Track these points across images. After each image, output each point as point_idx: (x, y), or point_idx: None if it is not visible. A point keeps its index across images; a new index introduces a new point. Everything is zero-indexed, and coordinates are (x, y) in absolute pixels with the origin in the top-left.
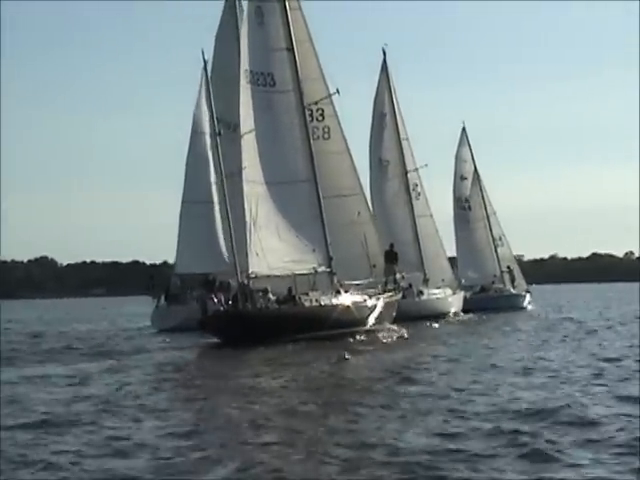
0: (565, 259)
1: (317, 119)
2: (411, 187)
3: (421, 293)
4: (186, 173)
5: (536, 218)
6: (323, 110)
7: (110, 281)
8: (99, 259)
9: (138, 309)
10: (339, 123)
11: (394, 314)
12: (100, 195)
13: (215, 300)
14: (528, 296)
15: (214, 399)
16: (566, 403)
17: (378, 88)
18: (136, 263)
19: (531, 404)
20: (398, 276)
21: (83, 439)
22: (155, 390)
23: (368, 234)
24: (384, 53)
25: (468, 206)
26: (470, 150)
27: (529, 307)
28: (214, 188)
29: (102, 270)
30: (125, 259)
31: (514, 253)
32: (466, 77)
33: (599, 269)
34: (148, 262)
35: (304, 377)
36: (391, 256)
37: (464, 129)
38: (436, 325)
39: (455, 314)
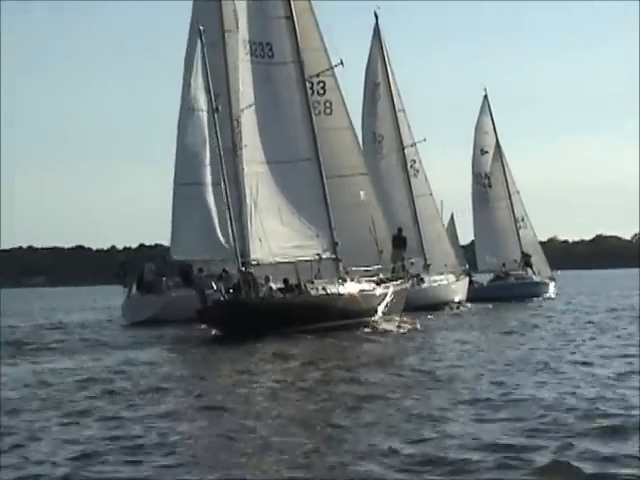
0: (565, 242)
1: (318, 93)
2: (409, 164)
3: (421, 280)
4: (180, 153)
5: (532, 195)
6: (324, 83)
7: (50, 269)
8: (37, 244)
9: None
10: (342, 97)
11: (403, 304)
12: (41, 174)
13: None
14: (552, 284)
15: None
16: None
17: (370, 55)
18: (81, 249)
19: None
20: (406, 263)
21: None
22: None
23: (376, 217)
24: (376, 16)
25: (488, 183)
26: (492, 120)
27: (553, 296)
28: (209, 169)
29: (42, 257)
30: (67, 244)
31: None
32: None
33: (604, 253)
34: (94, 247)
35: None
36: (399, 241)
37: (486, 97)
38: (430, 317)
39: (459, 303)
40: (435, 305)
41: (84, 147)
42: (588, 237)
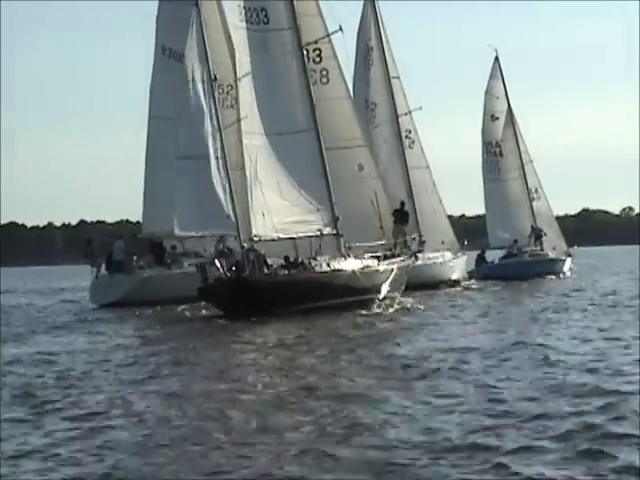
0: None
1: (314, 61)
2: (404, 134)
3: (415, 257)
4: (181, 126)
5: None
6: (321, 50)
7: None
8: None
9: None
10: (339, 65)
11: (406, 281)
12: None
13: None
14: (569, 260)
15: None
16: None
17: (362, 18)
18: (14, 225)
19: None
20: (408, 238)
21: None
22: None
23: (378, 191)
24: None
25: (500, 152)
26: (504, 84)
27: (568, 274)
28: (210, 141)
29: None
30: None
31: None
32: None
33: (590, 228)
34: (29, 224)
35: None
36: (402, 216)
37: (497, 58)
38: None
39: (457, 281)
40: (431, 284)
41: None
42: (573, 211)
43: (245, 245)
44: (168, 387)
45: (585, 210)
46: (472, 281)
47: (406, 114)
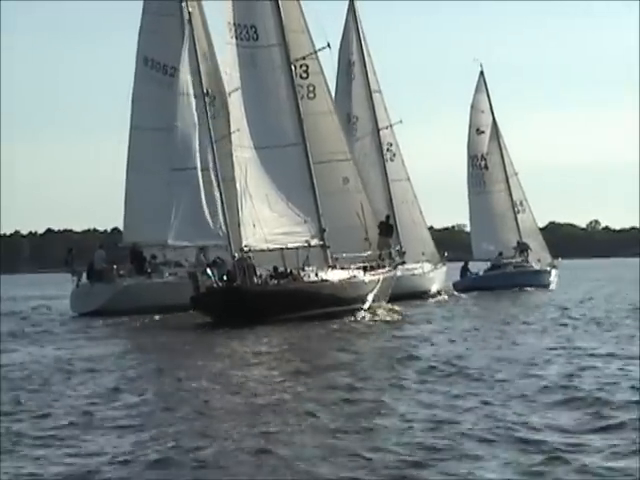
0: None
1: (301, 76)
2: (385, 147)
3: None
4: (174, 139)
5: (445, 173)
6: (307, 66)
7: None
8: None
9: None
10: (325, 81)
11: (390, 291)
12: None
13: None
14: (554, 272)
15: None
16: None
17: (344, 33)
18: None
19: None
20: (392, 250)
21: None
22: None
23: (364, 204)
24: None
25: (485, 165)
26: (488, 98)
27: (553, 286)
28: (203, 154)
29: None
30: None
31: (456, 222)
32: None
33: (557, 241)
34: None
35: None
36: (387, 228)
37: (482, 73)
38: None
39: (438, 292)
40: (410, 295)
41: None
42: (541, 224)
43: (236, 255)
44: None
45: (552, 223)
46: (454, 293)
47: (387, 127)
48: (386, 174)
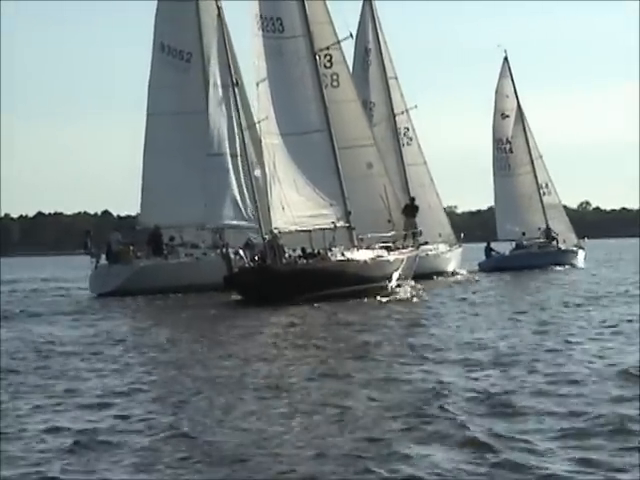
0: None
1: (325, 66)
2: (402, 132)
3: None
4: (208, 126)
5: (469, 156)
6: (331, 56)
7: None
8: None
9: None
10: (348, 70)
11: (414, 270)
12: None
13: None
14: (581, 252)
15: None
16: None
17: (360, 21)
18: None
19: None
20: (417, 230)
21: None
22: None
23: (387, 187)
24: None
25: (510, 148)
26: (513, 83)
27: (580, 265)
28: (233, 141)
29: None
30: None
31: (448, 203)
32: None
33: None
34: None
35: None
36: (412, 209)
37: (506, 59)
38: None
39: (452, 273)
40: (425, 275)
41: None
42: None
43: (266, 237)
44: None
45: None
46: (469, 274)
47: (402, 113)
48: (402, 158)
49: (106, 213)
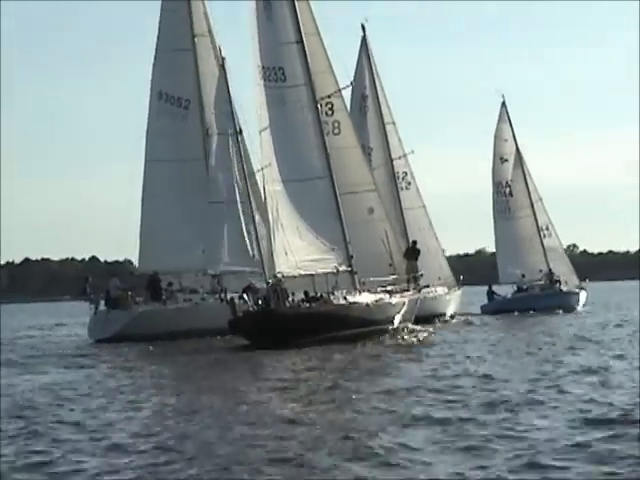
0: (494, 254)
1: (326, 113)
2: (400, 176)
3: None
4: (210, 174)
5: (463, 202)
6: (333, 104)
7: None
8: None
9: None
10: (349, 117)
11: (415, 313)
12: None
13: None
14: (583, 294)
15: None
16: None
17: (357, 67)
18: None
19: None
20: (418, 274)
21: None
22: None
23: (388, 231)
24: (363, 29)
25: (509, 192)
26: (511, 127)
27: (580, 308)
28: (236, 188)
29: None
30: None
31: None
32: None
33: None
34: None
35: None
36: (414, 253)
37: (504, 103)
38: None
39: (451, 316)
40: (425, 318)
41: None
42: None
43: (270, 281)
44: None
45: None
46: (468, 317)
47: (400, 157)
48: (400, 203)
49: (94, 259)
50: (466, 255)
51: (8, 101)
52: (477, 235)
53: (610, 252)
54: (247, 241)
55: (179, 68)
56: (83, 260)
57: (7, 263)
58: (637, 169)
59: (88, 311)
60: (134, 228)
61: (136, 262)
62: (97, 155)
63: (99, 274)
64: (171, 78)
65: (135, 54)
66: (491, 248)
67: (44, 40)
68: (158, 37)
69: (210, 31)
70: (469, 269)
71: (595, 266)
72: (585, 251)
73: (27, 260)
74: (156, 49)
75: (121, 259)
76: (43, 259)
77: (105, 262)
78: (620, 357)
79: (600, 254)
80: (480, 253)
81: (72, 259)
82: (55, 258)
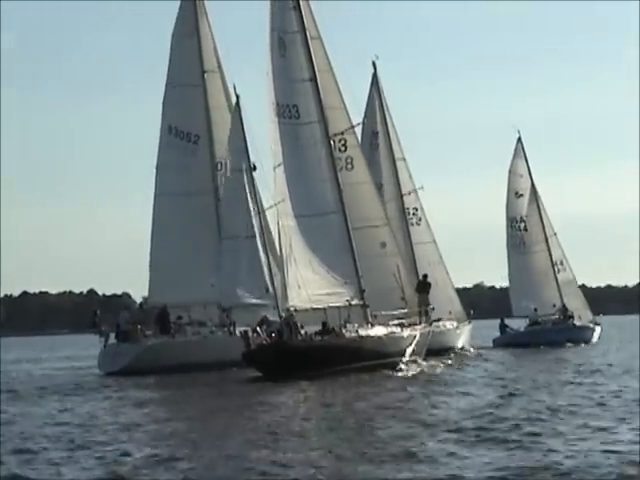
0: (492, 288)
1: (340, 150)
2: (411, 212)
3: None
4: (223, 210)
5: (466, 235)
6: (346, 140)
7: None
8: None
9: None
10: (362, 153)
11: (426, 346)
12: None
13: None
14: (598, 329)
15: None
16: None
17: (368, 104)
18: None
19: None
20: (429, 308)
21: None
22: None
23: (400, 266)
24: (374, 66)
25: (524, 227)
26: (527, 163)
27: (594, 341)
28: (251, 223)
29: None
30: None
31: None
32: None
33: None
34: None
35: None
36: (425, 287)
37: (519, 139)
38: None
39: (462, 348)
40: (435, 351)
41: None
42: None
43: (283, 314)
44: None
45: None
46: (478, 350)
47: (409, 193)
48: (410, 237)
49: (91, 292)
50: (464, 289)
51: (8, 126)
52: (474, 269)
53: (608, 286)
54: (263, 275)
55: (189, 103)
56: (81, 293)
57: (5, 296)
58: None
59: (98, 344)
60: (132, 261)
61: (134, 295)
62: (92, 186)
63: (97, 307)
64: (181, 113)
65: (147, 87)
66: (489, 282)
67: (56, 70)
68: (168, 72)
69: (220, 67)
70: (471, 303)
71: (593, 300)
72: (584, 285)
73: (25, 293)
74: (166, 84)
75: (119, 292)
76: (41, 292)
77: (104, 295)
78: None
79: (598, 288)
80: (478, 287)
81: (70, 292)
82: (53, 291)
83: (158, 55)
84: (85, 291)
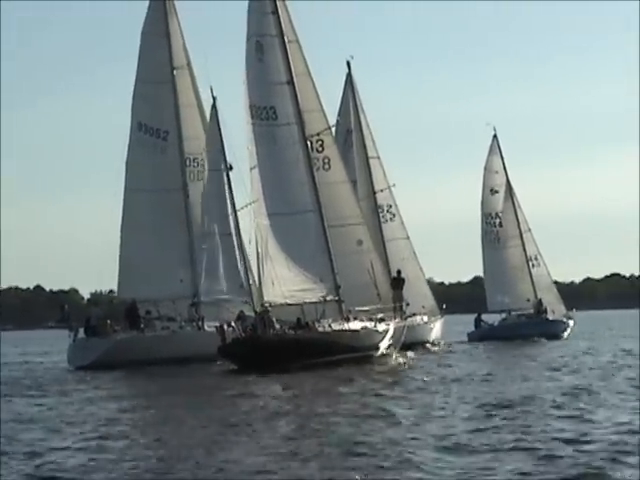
0: (469, 284)
1: (317, 150)
2: (385, 208)
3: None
4: (202, 208)
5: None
6: (323, 141)
7: None
8: None
9: None
10: (338, 153)
11: (401, 341)
12: None
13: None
14: (570, 323)
15: None
16: None
17: (342, 103)
18: None
19: None
20: (403, 303)
21: None
22: None
23: (375, 262)
24: (349, 66)
25: (499, 223)
26: (502, 159)
27: (565, 336)
28: (227, 221)
29: None
30: None
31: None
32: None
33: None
34: None
35: None
36: (398, 283)
37: (495, 136)
38: None
39: (434, 342)
40: (406, 345)
41: None
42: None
43: (257, 310)
44: None
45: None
46: (448, 344)
47: (381, 191)
48: (382, 234)
49: (38, 288)
50: (441, 284)
51: None
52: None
53: (588, 279)
54: (239, 272)
55: (158, 100)
56: (28, 289)
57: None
58: None
59: (47, 340)
60: (81, 256)
61: (81, 290)
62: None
63: (43, 303)
64: (150, 110)
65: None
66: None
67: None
68: (137, 69)
69: (189, 64)
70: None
71: (570, 295)
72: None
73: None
74: (135, 80)
75: (66, 288)
76: (10, 287)
77: (51, 291)
78: None
79: (572, 283)
80: (460, 283)
81: (17, 288)
82: (23, 286)
83: (128, 52)
84: (32, 287)
